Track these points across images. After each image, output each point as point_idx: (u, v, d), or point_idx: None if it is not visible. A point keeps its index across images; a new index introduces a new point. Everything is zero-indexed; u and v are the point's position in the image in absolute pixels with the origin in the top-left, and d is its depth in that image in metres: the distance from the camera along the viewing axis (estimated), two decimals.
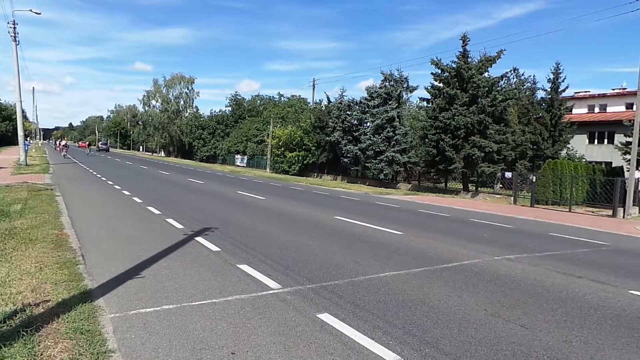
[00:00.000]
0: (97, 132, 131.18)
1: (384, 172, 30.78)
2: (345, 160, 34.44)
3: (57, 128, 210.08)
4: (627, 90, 37.14)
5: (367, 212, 14.36)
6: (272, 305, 4.83)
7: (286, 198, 18.00)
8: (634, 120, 19.63)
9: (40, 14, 28.43)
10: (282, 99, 61.19)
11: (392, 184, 31.52)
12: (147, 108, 77.47)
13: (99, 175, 23.49)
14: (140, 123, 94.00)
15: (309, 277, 6.04)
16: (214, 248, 7.52)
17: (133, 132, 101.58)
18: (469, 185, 27.50)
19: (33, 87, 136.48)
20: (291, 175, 38.94)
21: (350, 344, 3.91)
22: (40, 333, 3.77)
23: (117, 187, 17.86)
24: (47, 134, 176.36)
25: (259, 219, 11.53)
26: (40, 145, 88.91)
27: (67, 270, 5.59)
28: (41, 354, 3.44)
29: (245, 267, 6.32)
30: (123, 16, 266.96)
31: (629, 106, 34.00)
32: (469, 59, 26.65)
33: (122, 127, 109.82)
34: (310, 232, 9.83)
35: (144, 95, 76.06)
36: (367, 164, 32.06)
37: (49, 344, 3.61)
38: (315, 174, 39.60)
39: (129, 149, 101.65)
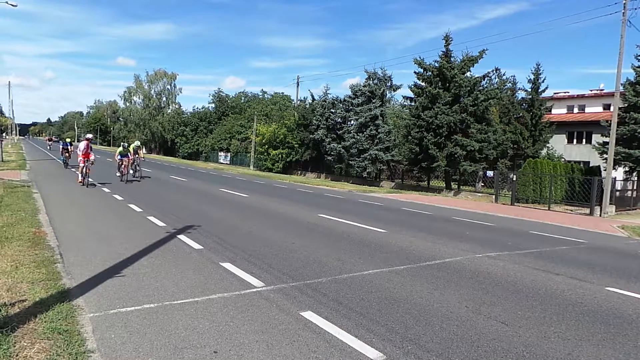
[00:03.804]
0: (76, 127, 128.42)
1: (368, 170, 30.91)
2: (329, 158, 34.48)
3: (34, 124, 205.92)
4: (604, 91, 37.98)
5: (350, 210, 14.39)
6: (255, 304, 4.81)
7: (270, 196, 17.93)
8: (610, 120, 20.12)
9: (16, 6, 27.61)
10: (266, 96, 60.97)
11: (376, 182, 31.68)
12: (128, 104, 76.24)
13: (77, 172, 22.98)
14: (121, 119, 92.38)
15: (293, 275, 6.02)
16: (197, 246, 7.44)
17: (113, 129, 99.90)
18: (452, 183, 27.82)
19: (9, 82, 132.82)
20: (275, 172, 38.79)
21: (333, 342, 3.92)
22: (16, 333, 3.67)
23: (97, 184, 17.54)
24: (24, 129, 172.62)
25: (242, 217, 11.46)
26: (16, 141, 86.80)
27: (44, 269, 5.46)
28: (17, 355, 3.35)
29: (228, 265, 6.27)
30: (104, 10, 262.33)
31: (606, 107, 34.79)
32: (452, 59, 26.92)
33: (102, 123, 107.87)
34: (293, 230, 9.81)
35: (125, 91, 74.95)
36: (350, 162, 32.15)
37: (25, 344, 3.51)
38: (299, 171, 39.54)
39: (109, 145, 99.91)
